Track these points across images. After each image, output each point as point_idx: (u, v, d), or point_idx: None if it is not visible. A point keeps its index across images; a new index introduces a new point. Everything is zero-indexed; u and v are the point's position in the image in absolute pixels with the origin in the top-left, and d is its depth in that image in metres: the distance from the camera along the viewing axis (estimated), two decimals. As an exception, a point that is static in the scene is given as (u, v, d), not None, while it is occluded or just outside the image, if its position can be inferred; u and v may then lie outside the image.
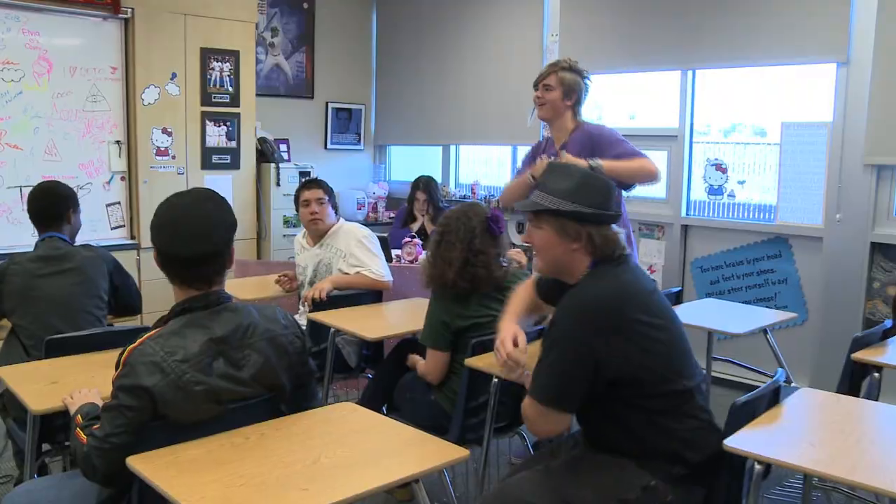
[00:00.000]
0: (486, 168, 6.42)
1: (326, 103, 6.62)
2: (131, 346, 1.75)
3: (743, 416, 1.98)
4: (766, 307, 4.30)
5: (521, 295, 2.36)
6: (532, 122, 3.29)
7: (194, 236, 1.79)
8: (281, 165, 5.72)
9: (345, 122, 6.76)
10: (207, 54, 5.31)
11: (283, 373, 1.89)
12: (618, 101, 5.36)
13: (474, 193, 6.16)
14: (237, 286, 3.91)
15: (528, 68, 5.63)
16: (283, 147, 6.05)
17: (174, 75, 5.19)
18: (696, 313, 3.39)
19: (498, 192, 6.08)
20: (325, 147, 6.67)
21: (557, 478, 1.93)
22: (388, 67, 6.84)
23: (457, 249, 2.68)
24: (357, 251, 3.46)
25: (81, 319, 2.85)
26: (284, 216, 5.75)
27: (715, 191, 4.82)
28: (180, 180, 5.28)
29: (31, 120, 4.72)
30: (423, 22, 6.46)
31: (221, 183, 5.46)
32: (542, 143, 3.51)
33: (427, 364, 2.75)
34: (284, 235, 5.73)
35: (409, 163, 7.08)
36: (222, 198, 1.90)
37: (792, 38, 4.30)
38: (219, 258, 1.84)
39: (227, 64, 5.41)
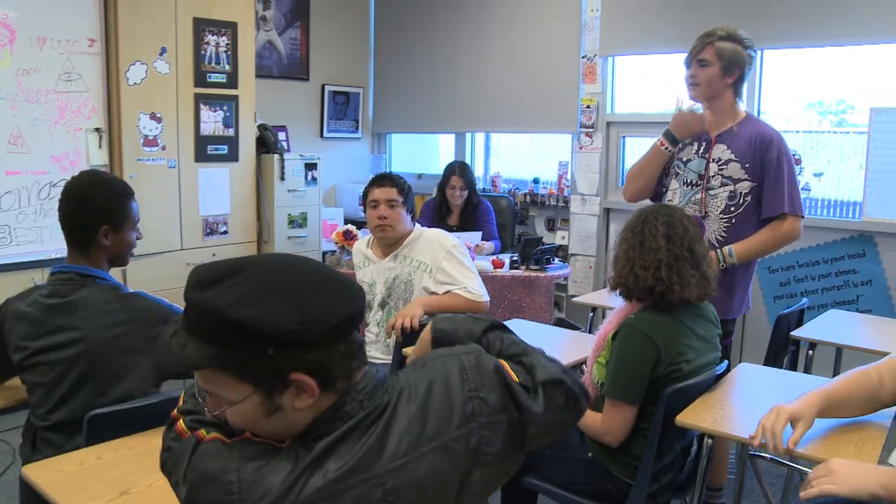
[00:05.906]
0: (512, 158, 5.78)
1: (323, 86, 5.85)
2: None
3: None
4: (847, 310, 3.88)
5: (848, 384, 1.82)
6: (679, 107, 2.72)
7: (335, 290, 1.07)
8: (285, 156, 4.93)
9: (342, 108, 6.00)
10: (201, 26, 4.49)
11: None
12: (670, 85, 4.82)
13: (495, 186, 5.55)
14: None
15: (562, 46, 5.06)
16: (281, 135, 5.27)
17: (164, 50, 4.35)
18: (841, 330, 3.00)
19: (523, 185, 5.48)
20: (321, 135, 5.90)
21: None
22: (389, 45, 6.09)
23: (682, 257, 2.07)
24: (447, 265, 2.80)
25: None
26: (289, 215, 4.98)
27: (787, 184, 4.36)
28: (172, 175, 4.46)
29: (-10, 102, 3.85)
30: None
31: (218, 177, 4.68)
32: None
33: (608, 420, 2.07)
34: (289, 237, 4.97)
35: (412, 153, 6.39)
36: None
37: (886, 13, 3.84)
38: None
39: (224, 38, 4.60)
